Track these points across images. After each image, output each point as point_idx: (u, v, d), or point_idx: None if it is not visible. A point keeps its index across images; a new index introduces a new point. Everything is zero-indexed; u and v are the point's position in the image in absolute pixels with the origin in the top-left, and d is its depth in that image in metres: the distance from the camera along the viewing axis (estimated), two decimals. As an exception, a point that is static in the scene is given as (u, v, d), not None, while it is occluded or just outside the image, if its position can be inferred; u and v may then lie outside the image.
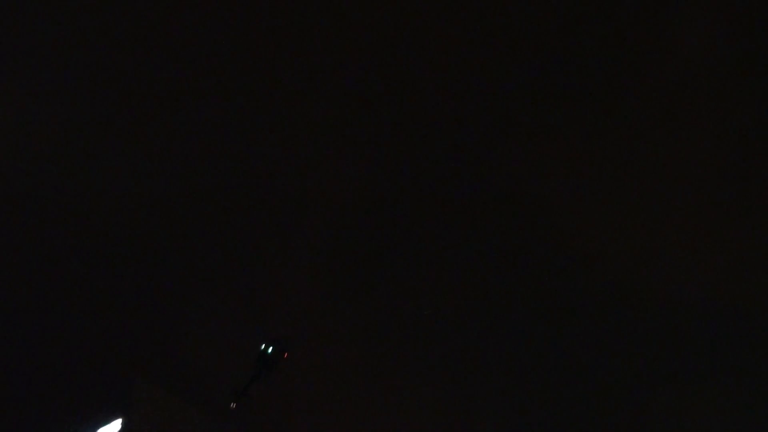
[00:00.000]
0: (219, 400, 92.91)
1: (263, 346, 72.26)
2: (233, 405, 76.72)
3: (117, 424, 79.43)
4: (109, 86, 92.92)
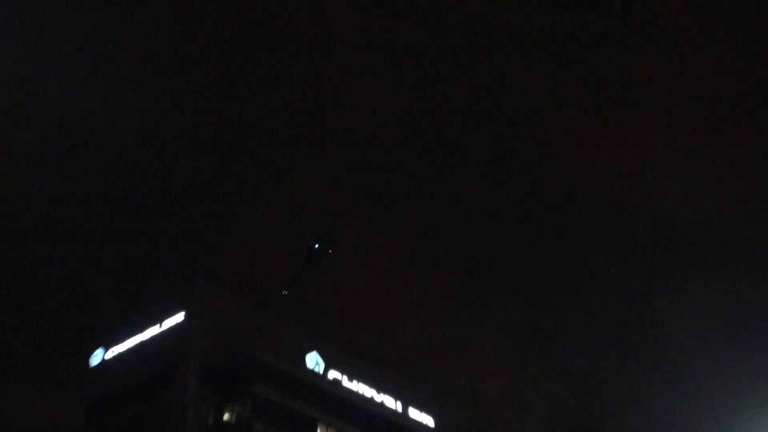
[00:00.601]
0: (270, 291, 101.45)
1: (312, 243, 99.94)
2: (285, 292, 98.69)
3: (180, 316, 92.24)
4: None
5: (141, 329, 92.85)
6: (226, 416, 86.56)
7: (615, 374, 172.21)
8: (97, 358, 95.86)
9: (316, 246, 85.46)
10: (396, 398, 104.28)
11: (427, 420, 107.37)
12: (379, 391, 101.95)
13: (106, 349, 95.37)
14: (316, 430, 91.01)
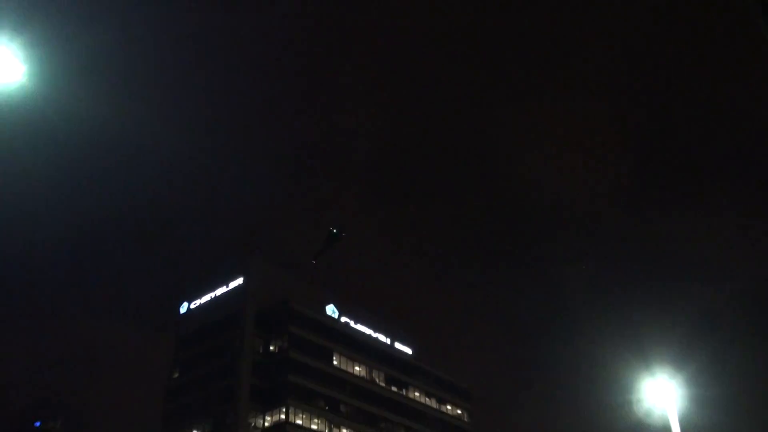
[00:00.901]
0: (303, 261, 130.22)
1: (332, 228, 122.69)
2: (314, 261, 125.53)
3: (240, 280, 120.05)
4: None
5: (213, 288, 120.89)
6: (271, 348, 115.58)
7: (541, 328, 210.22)
8: (183, 308, 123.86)
9: (335, 231, 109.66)
10: (386, 335, 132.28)
11: (408, 350, 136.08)
12: (375, 330, 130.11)
13: (189, 303, 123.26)
14: (332, 357, 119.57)
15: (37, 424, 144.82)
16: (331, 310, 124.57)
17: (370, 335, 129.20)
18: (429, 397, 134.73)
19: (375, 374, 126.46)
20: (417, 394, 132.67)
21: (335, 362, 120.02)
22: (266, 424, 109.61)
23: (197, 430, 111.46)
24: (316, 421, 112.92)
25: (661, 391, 27.32)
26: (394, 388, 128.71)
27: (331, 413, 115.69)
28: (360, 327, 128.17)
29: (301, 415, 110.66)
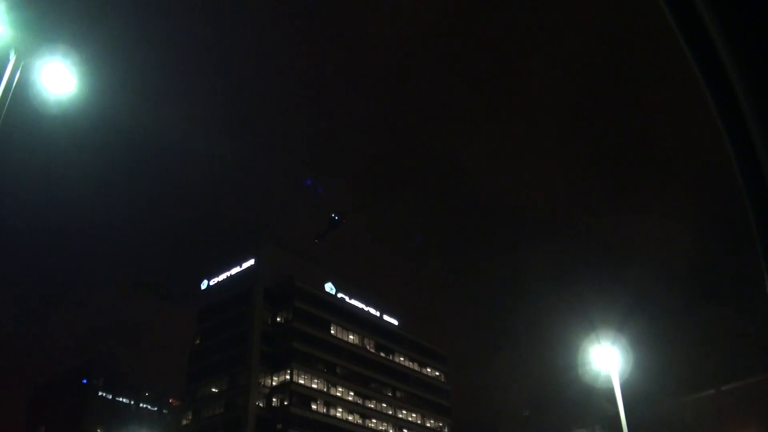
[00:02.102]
0: (306, 245, 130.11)
1: (332, 215, 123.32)
2: (317, 240, 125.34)
3: (251, 261, 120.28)
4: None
5: (229, 268, 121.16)
6: (278, 319, 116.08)
7: (509, 304, 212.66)
8: (204, 284, 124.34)
9: (335, 216, 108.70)
10: (376, 308, 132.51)
11: (394, 321, 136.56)
12: (366, 304, 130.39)
13: (209, 280, 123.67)
14: (330, 327, 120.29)
15: (84, 381, 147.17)
16: (329, 287, 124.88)
17: (362, 308, 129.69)
18: (412, 362, 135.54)
19: (366, 342, 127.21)
20: (402, 359, 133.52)
21: (332, 332, 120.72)
22: (274, 383, 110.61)
23: (215, 388, 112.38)
24: (316, 381, 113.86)
25: (605, 356, 27.86)
26: (382, 354, 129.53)
27: (329, 375, 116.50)
28: (354, 302, 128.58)
29: (303, 377, 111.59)
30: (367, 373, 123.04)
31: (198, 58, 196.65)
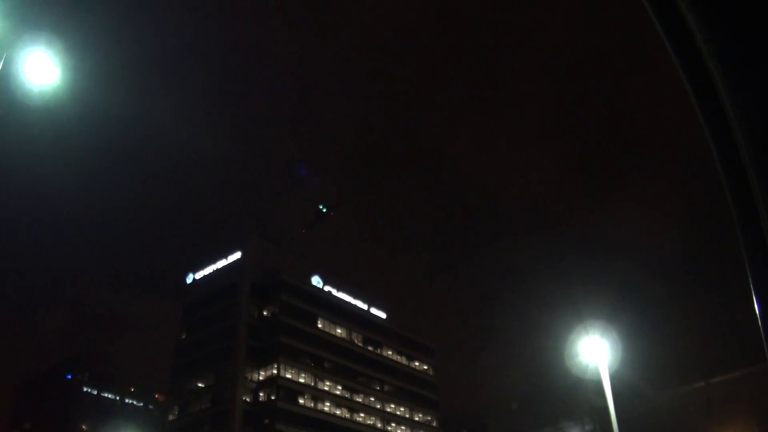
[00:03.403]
0: (292, 238, 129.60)
1: (320, 206, 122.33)
2: (304, 231, 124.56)
3: (238, 254, 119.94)
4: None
5: (215, 261, 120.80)
6: (264, 313, 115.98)
7: (497, 297, 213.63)
8: (189, 278, 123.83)
9: (323, 208, 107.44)
10: (363, 302, 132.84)
11: (382, 314, 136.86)
12: (354, 297, 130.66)
13: (195, 274, 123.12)
14: (317, 321, 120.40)
15: (69, 376, 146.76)
16: (316, 280, 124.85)
17: (349, 302, 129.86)
18: (400, 355, 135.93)
19: (354, 336, 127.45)
20: (390, 352, 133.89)
21: (320, 325, 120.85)
22: (260, 378, 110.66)
23: (201, 382, 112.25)
24: (303, 375, 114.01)
25: (594, 348, 28.03)
26: (370, 348, 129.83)
27: (316, 369, 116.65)
28: (341, 295, 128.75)
29: (290, 371, 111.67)
30: (354, 367, 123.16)
31: (184, 50, 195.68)
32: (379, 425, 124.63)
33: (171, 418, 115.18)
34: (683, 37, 2.68)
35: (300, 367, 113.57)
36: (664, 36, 2.80)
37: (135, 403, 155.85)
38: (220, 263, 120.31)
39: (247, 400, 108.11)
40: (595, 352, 28.24)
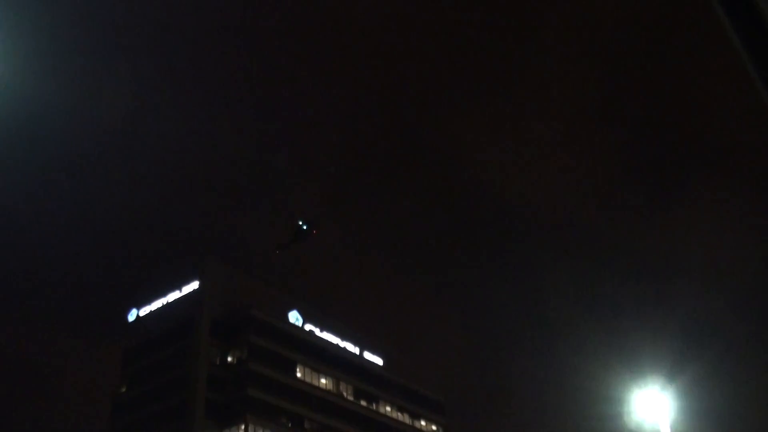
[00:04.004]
0: (261, 265, 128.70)
1: (300, 222, 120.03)
2: (277, 252, 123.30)
3: (195, 284, 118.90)
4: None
5: (165, 294, 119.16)
6: (229, 359, 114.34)
7: (519, 336, 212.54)
8: (132, 315, 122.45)
9: (303, 226, 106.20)
10: (354, 344, 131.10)
11: (378, 360, 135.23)
12: (342, 339, 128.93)
13: (138, 309, 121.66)
14: (296, 369, 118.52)
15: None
16: (294, 316, 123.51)
17: (336, 344, 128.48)
18: (401, 412, 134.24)
19: (342, 387, 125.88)
20: (388, 408, 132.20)
21: (299, 374, 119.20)
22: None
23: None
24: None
25: (652, 403, 26.59)
26: (363, 402, 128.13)
27: (294, 430, 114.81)
28: (326, 335, 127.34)
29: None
30: (343, 428, 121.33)
31: (138, 41, 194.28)
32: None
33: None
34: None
35: (274, 428, 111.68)
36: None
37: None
38: (172, 296, 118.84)
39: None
40: (653, 406, 26.90)
